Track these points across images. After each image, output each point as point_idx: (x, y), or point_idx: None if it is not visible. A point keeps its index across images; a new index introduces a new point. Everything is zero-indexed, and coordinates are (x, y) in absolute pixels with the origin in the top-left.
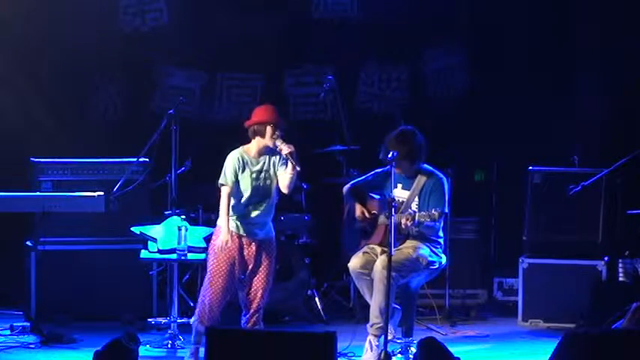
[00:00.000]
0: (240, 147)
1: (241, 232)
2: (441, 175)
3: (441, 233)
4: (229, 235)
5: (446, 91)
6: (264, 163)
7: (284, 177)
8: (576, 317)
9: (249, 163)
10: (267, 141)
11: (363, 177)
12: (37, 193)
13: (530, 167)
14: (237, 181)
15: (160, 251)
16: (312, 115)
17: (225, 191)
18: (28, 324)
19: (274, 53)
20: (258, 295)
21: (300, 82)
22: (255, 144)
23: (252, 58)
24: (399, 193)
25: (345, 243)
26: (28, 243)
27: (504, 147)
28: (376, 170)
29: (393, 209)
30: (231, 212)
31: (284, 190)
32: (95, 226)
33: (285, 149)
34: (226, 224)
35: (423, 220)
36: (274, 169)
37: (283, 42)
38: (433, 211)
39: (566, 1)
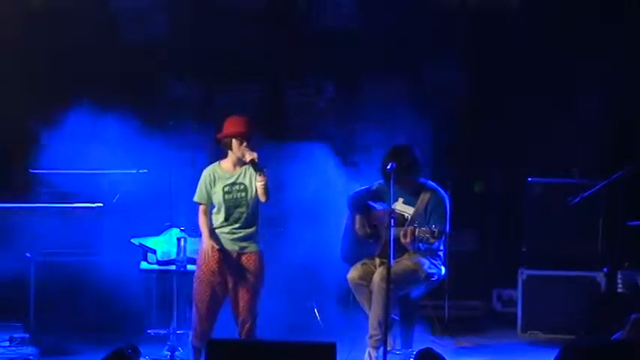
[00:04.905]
0: (217, 161)
1: (220, 245)
2: (444, 194)
3: (441, 247)
4: (210, 246)
5: (446, 102)
6: (240, 174)
7: (257, 186)
8: (575, 329)
9: (221, 177)
10: (235, 153)
11: (366, 187)
12: (36, 205)
13: (530, 178)
14: (210, 196)
15: (159, 262)
16: (312, 127)
17: (201, 209)
18: (27, 335)
19: (274, 65)
20: (244, 307)
21: (299, 94)
22: (230, 156)
23: (252, 70)
24: (401, 207)
25: (344, 253)
26: (27, 254)
27: (504, 158)
28: (378, 181)
29: (392, 221)
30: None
31: (261, 198)
32: (94, 237)
33: (247, 156)
34: (208, 235)
35: (423, 235)
36: (250, 179)
37: (283, 53)
38: (433, 227)
39: (567, 15)
